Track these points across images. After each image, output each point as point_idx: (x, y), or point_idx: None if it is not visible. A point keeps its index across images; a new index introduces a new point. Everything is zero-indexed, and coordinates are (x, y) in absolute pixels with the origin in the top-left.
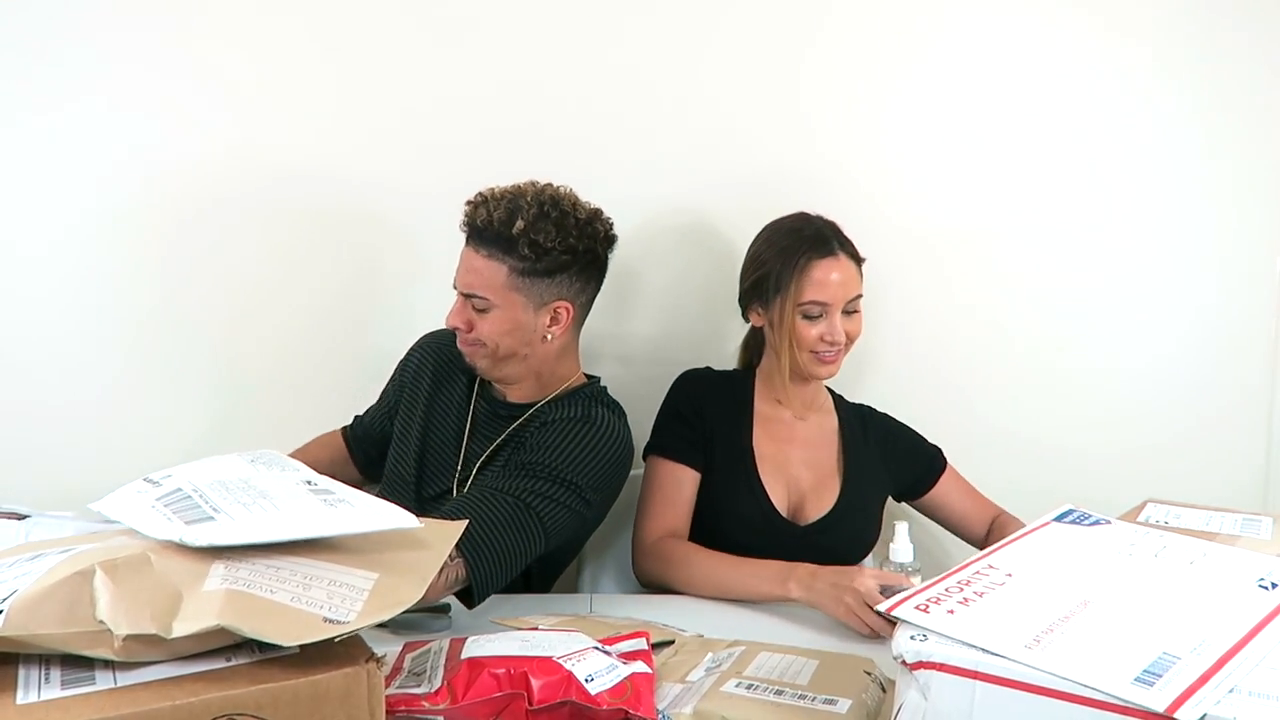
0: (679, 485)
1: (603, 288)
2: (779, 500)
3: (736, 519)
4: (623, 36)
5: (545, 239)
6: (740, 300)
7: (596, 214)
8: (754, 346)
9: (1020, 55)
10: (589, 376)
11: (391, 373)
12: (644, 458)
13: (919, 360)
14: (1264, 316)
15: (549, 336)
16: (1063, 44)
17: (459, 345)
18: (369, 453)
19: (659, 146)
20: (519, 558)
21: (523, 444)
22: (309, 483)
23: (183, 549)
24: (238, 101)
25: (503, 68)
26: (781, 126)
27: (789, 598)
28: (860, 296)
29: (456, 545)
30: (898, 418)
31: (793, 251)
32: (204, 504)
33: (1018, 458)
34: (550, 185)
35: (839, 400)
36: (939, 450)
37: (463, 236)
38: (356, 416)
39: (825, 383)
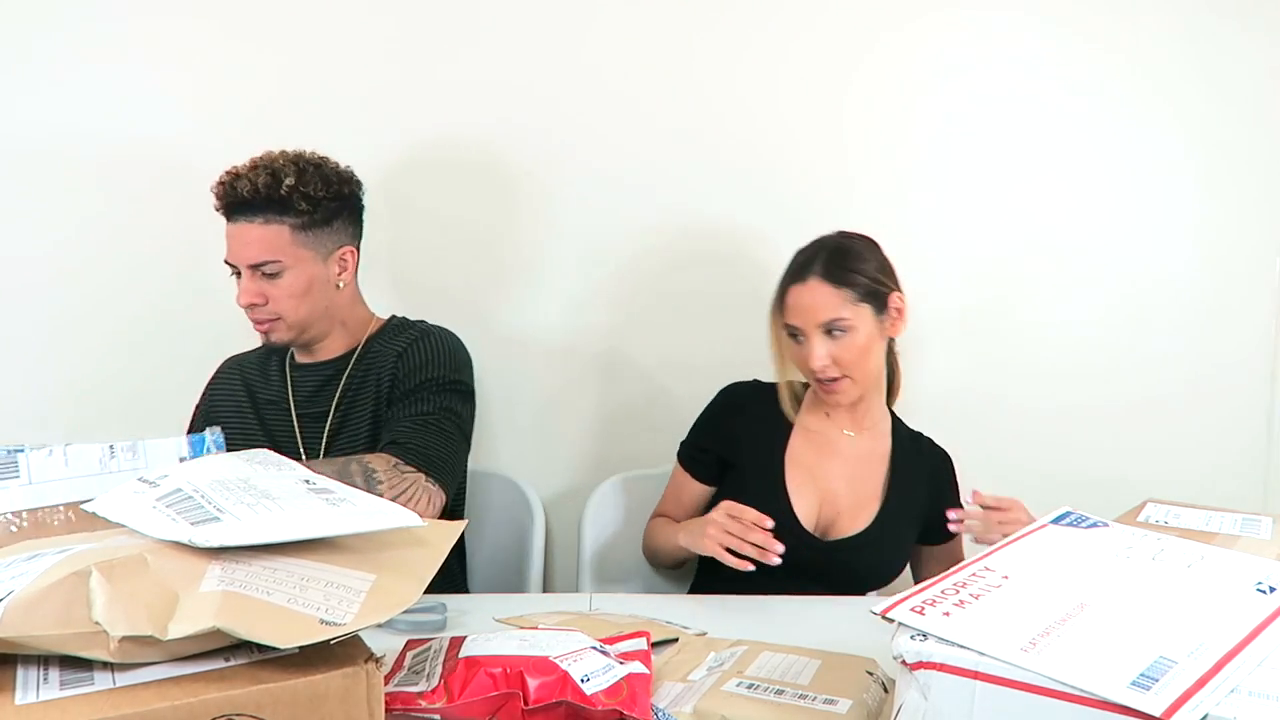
0: (685, 489)
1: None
2: (806, 511)
3: None
4: (626, 36)
5: (315, 190)
6: None
7: (339, 164)
8: None
9: (1021, 57)
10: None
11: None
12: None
13: (916, 358)
14: (1264, 316)
15: (341, 285)
16: (1064, 46)
17: (255, 326)
18: None
19: (687, 153)
20: (464, 463)
21: (394, 379)
22: (308, 482)
23: (179, 550)
24: (168, 95)
25: (512, 69)
26: (814, 135)
27: (679, 544)
28: (842, 320)
29: (429, 473)
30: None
31: (785, 274)
32: (207, 504)
33: (1017, 457)
34: (289, 149)
35: (899, 424)
36: None
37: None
38: None
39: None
